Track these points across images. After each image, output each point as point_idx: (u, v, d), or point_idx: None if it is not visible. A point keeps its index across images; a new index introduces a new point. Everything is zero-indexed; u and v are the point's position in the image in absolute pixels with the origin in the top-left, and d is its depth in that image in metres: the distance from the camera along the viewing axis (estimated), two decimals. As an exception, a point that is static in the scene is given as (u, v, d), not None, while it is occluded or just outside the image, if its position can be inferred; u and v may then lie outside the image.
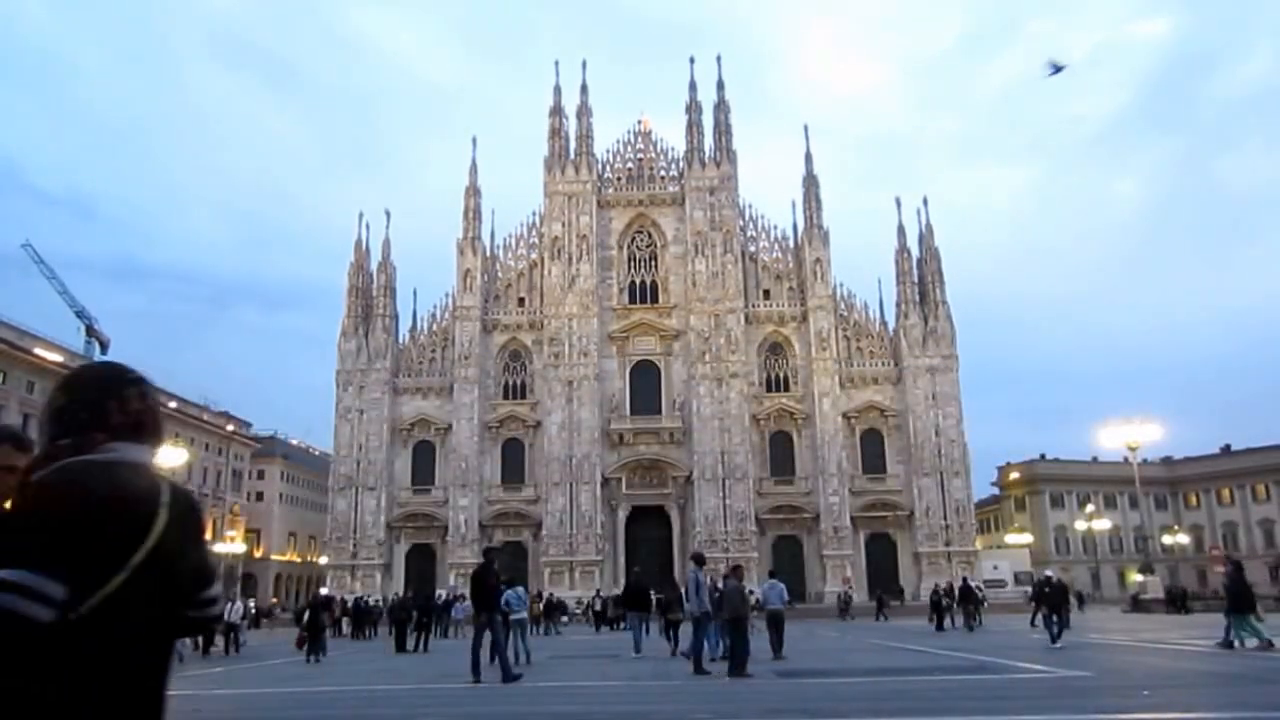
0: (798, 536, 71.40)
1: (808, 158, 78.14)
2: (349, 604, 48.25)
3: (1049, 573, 32.63)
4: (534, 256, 77.17)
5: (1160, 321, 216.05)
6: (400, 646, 31.06)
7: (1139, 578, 62.35)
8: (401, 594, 47.81)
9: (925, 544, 70.31)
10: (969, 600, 39.92)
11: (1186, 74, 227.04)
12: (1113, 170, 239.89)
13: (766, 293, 76.20)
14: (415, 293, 79.25)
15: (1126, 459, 46.86)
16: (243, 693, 18.29)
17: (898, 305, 75.49)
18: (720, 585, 29.38)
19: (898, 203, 77.90)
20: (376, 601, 56.66)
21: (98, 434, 2.25)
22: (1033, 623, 29.81)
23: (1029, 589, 70.42)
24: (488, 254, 76.93)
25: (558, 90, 78.68)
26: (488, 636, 17.09)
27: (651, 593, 29.04)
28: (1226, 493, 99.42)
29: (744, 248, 76.29)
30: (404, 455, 73.69)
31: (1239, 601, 20.99)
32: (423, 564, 70.97)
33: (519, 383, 74.95)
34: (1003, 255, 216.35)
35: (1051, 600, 25.74)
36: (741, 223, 76.91)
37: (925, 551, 69.97)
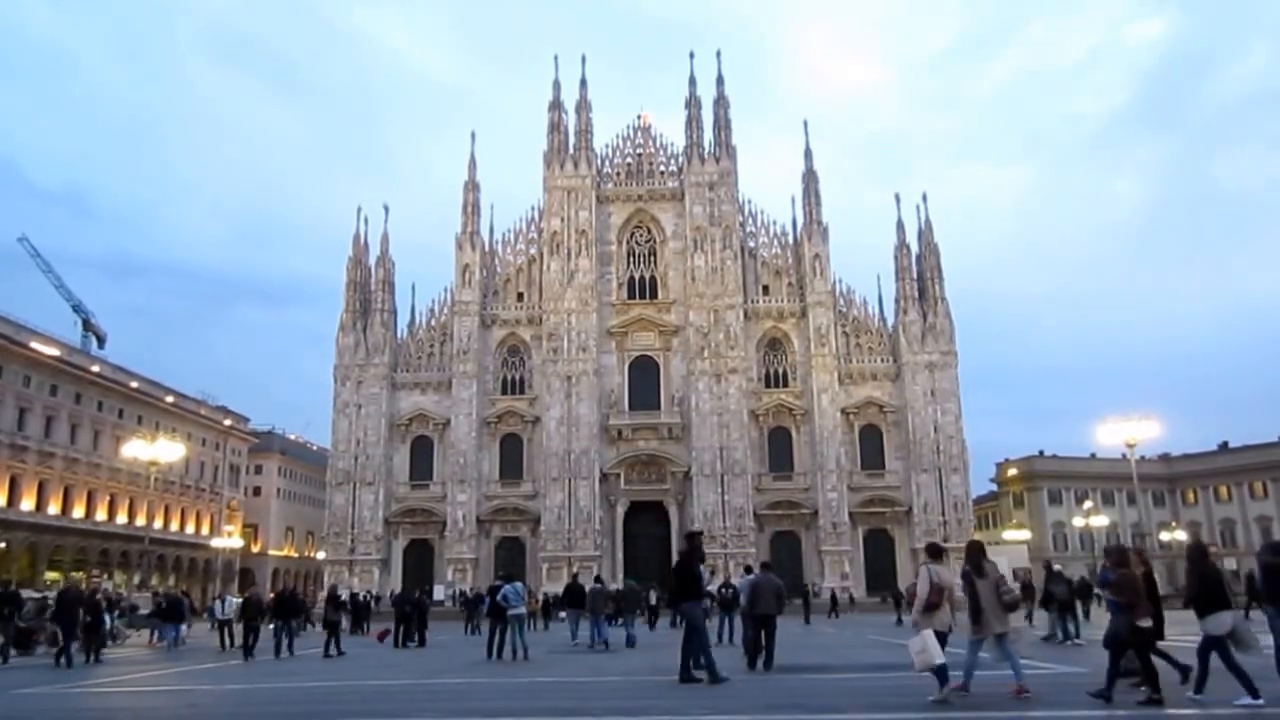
0: (796, 532, 71.50)
1: (807, 153, 78.08)
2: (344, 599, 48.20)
3: (1058, 567, 31.96)
4: (533, 251, 77.12)
5: (1158, 319, 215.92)
6: (399, 642, 31.02)
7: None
8: (399, 590, 47.83)
9: (923, 540, 70.13)
10: None
11: (1183, 74, 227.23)
12: (1111, 169, 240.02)
13: (766, 288, 76.18)
14: (414, 288, 79.64)
15: (1125, 456, 46.88)
16: (239, 689, 18.27)
17: (897, 301, 75.51)
18: (732, 581, 29.75)
19: (897, 199, 78.12)
20: (369, 596, 56.90)
21: None
22: (1031, 620, 29.14)
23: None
24: (487, 249, 76.91)
25: (557, 85, 78.54)
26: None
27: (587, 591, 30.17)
28: (1224, 490, 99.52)
29: (743, 243, 76.27)
30: (402, 450, 73.74)
31: (1049, 601, 25.29)
32: (421, 559, 71.15)
33: (518, 378, 74.94)
34: (1001, 253, 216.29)
35: (1061, 596, 25.05)
36: (741, 218, 76.86)
37: (923, 548, 69.89)
